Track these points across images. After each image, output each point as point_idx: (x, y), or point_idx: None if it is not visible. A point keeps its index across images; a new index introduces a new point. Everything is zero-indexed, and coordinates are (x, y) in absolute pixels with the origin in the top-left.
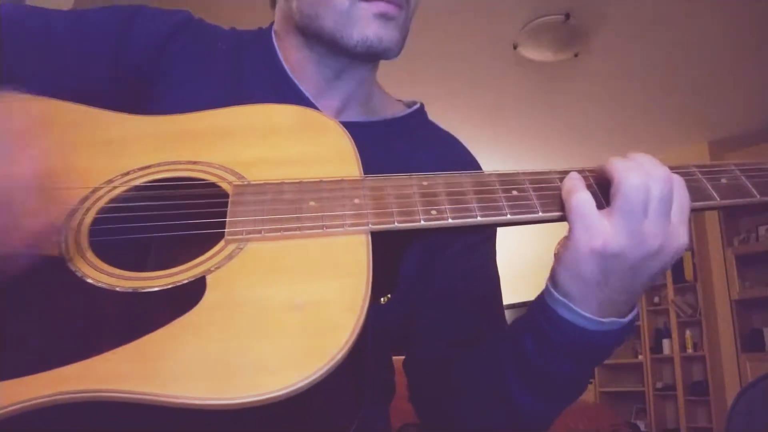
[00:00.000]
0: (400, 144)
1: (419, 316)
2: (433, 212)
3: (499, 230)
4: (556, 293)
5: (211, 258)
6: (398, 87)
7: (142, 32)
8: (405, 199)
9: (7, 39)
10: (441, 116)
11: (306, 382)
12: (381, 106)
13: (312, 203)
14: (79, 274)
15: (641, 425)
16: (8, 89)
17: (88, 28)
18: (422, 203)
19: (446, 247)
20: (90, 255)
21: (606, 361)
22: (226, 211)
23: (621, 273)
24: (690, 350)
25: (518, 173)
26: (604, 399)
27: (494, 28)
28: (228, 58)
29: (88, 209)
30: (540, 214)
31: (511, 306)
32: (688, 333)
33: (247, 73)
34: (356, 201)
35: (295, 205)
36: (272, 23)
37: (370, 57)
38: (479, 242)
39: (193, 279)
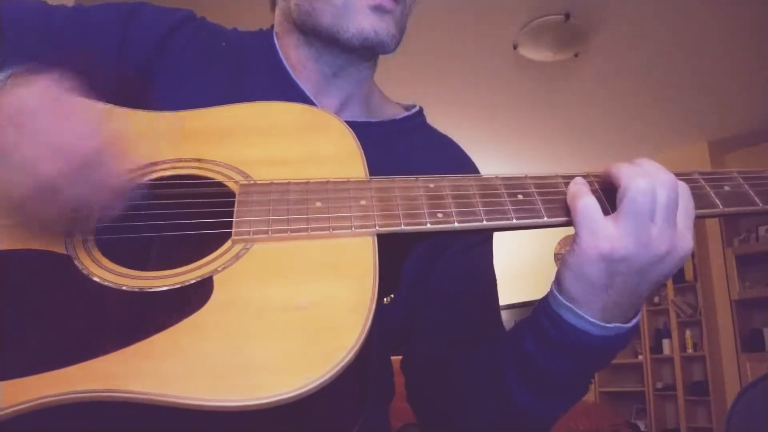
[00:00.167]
0: (399, 145)
1: (419, 316)
2: (440, 215)
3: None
4: (561, 297)
5: (217, 258)
6: (398, 87)
7: (144, 28)
8: (411, 202)
9: (8, 36)
10: (441, 116)
11: (315, 384)
12: (380, 108)
13: (318, 204)
14: (85, 272)
15: (641, 425)
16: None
17: (89, 25)
18: (428, 206)
19: (446, 248)
20: (96, 253)
21: None
22: (231, 210)
23: (627, 277)
24: (690, 350)
25: (523, 177)
26: (604, 399)
27: (494, 28)
28: (229, 56)
29: None
30: (545, 219)
31: (511, 306)
32: (688, 333)
33: (247, 71)
34: (363, 203)
35: (302, 205)
36: (273, 25)
37: (366, 50)
38: (479, 243)
39: (200, 279)
